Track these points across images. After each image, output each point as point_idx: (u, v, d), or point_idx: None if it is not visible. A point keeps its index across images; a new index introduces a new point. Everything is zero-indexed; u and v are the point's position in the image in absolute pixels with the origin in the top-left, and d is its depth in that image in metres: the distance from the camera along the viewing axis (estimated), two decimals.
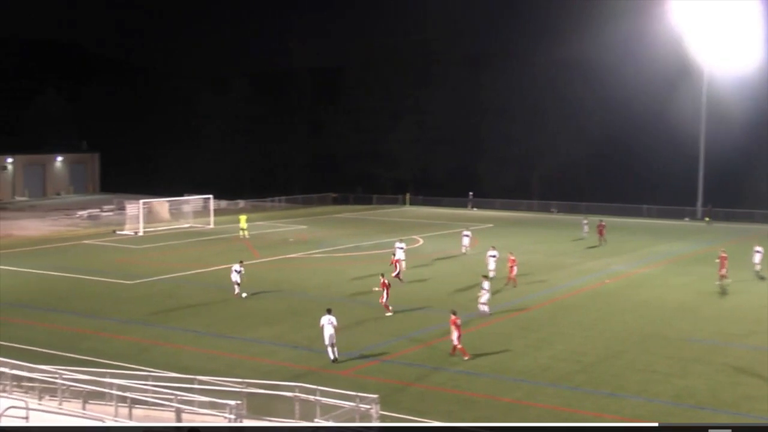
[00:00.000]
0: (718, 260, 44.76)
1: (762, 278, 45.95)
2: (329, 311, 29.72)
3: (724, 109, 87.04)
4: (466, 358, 29.53)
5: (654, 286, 44.80)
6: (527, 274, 45.67)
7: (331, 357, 29.37)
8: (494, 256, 45.80)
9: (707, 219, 79.00)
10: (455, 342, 29.75)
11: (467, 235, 57.39)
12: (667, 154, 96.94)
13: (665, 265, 52.80)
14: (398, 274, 43.93)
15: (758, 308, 38.87)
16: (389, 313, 36.67)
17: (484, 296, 36.53)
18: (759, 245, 48.08)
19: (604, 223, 62.16)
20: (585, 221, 65.49)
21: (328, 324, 29.26)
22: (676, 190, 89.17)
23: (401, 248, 48.23)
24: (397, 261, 45.04)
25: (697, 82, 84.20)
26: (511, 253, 44.72)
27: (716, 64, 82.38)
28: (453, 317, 29.99)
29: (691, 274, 48.81)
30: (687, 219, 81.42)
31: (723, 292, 42.76)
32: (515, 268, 43.64)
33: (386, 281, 37.41)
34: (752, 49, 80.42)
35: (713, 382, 27.45)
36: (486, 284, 36.90)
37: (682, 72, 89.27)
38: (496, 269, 45.11)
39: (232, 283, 40.97)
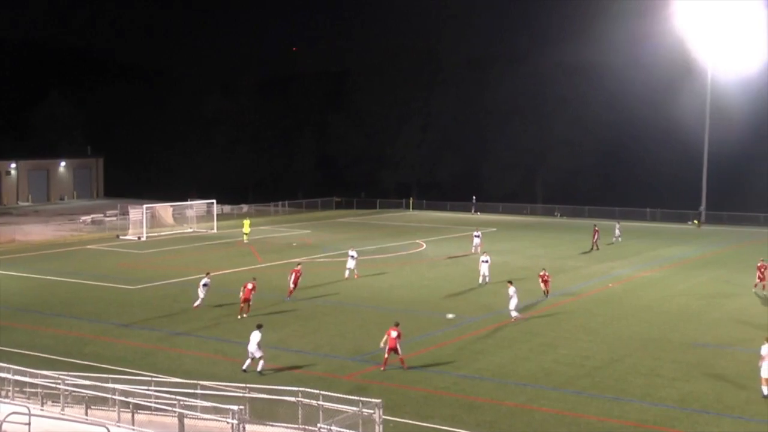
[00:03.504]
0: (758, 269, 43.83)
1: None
2: (259, 327, 28.68)
3: (729, 111, 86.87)
4: (388, 366, 28.85)
5: (658, 290, 44.72)
6: (531, 278, 45.52)
7: (244, 367, 28.25)
8: (486, 261, 45.83)
9: (695, 222, 78.98)
10: (399, 354, 28.60)
11: (478, 236, 57.76)
12: (671, 157, 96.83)
13: (669, 268, 52.70)
14: (294, 285, 41.56)
15: (762, 312, 38.76)
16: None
17: (512, 302, 36.54)
18: None
19: (598, 228, 62.01)
20: (618, 225, 65.28)
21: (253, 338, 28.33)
22: (680, 193, 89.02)
23: (353, 256, 47.72)
24: (296, 271, 42.16)
25: (702, 84, 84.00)
26: (544, 269, 43.20)
27: (720, 66, 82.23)
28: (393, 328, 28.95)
29: (695, 278, 48.75)
30: (690, 222, 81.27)
31: (764, 299, 42.33)
32: (549, 282, 42.20)
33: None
34: (756, 50, 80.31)
35: (718, 386, 27.35)
36: (511, 289, 36.82)
37: (686, 74, 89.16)
38: (490, 275, 45.37)
39: (197, 296, 39.15)
